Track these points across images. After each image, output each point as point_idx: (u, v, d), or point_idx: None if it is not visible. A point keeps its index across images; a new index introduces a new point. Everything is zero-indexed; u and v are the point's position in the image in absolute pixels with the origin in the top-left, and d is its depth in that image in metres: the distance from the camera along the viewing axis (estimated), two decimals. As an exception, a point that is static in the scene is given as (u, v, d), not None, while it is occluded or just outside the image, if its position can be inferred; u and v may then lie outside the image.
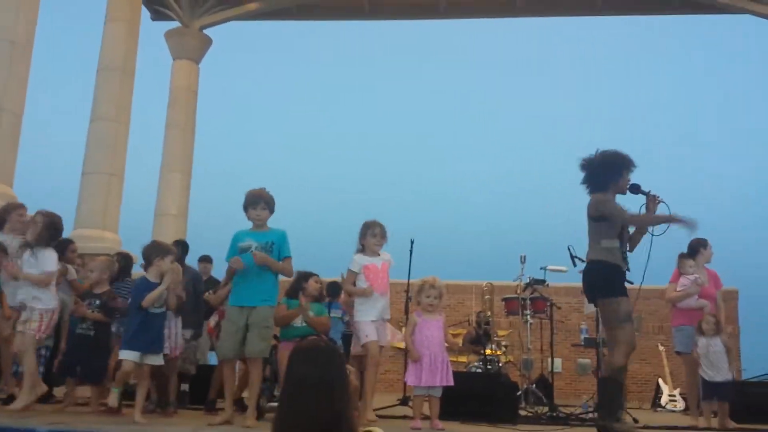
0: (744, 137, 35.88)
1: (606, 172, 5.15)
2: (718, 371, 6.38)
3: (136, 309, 5.30)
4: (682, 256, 7.10)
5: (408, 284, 6.85)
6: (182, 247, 7.81)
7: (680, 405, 7.52)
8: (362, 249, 5.84)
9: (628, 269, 5.09)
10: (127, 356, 5.18)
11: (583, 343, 8.09)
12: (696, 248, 7.06)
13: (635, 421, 6.44)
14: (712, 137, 36.10)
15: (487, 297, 9.26)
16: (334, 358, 2.15)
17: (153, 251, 5.51)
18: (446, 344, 5.67)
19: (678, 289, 7.00)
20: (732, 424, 6.30)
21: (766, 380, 11.80)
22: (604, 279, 5.03)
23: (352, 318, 5.93)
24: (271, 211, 5.41)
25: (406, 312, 6.98)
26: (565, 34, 27.86)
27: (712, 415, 6.52)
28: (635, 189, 5.17)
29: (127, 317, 5.50)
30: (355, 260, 5.80)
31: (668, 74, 36.92)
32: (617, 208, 5.06)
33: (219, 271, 7.27)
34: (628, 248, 5.13)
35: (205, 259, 7.61)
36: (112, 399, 5.25)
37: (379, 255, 5.85)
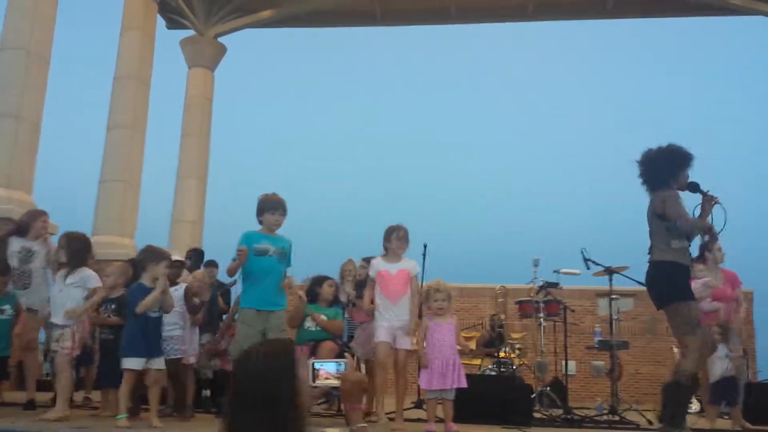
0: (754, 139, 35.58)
1: (666, 167, 4.94)
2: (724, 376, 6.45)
3: (132, 315, 5.31)
4: (692, 261, 7.07)
5: (421, 288, 6.89)
6: (198, 255, 7.93)
7: (695, 407, 7.51)
8: (386, 252, 5.91)
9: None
10: (130, 364, 5.20)
11: (597, 346, 8.08)
12: (702, 252, 7.04)
13: (650, 422, 6.44)
14: (727, 139, 35.83)
15: (500, 300, 9.30)
16: (282, 369, 1.97)
17: (147, 256, 5.54)
18: (458, 347, 5.71)
19: None
20: (747, 425, 6.29)
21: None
22: (676, 282, 4.82)
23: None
24: (286, 215, 5.49)
25: (420, 317, 7.01)
26: (574, 35, 27.80)
27: (726, 417, 6.53)
28: (694, 187, 4.94)
29: (125, 324, 5.51)
30: (372, 265, 5.93)
31: (683, 75, 36.72)
32: (682, 207, 4.85)
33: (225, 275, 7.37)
34: None
35: (211, 264, 7.71)
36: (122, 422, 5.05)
37: (401, 260, 5.89)
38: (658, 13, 15.15)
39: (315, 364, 2.40)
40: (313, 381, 2.36)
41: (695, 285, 6.94)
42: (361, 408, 2.45)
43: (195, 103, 14.19)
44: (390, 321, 5.75)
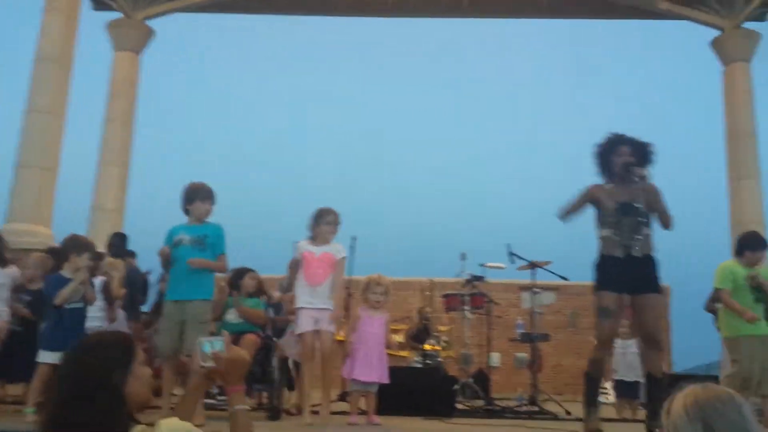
0: (677, 141, 37.11)
1: (596, 161, 5.03)
2: (632, 371, 6.71)
3: (50, 307, 5.13)
4: None
5: (349, 281, 6.87)
6: (121, 239, 7.69)
7: (611, 398, 7.77)
8: (312, 236, 5.65)
9: (632, 255, 4.75)
10: (44, 358, 4.99)
11: (519, 338, 8.26)
12: None
13: (567, 413, 6.62)
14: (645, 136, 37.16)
15: (427, 293, 9.37)
16: (112, 361, 1.92)
17: (70, 246, 5.34)
18: (387, 345, 5.72)
19: None
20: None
21: (694, 374, 12.34)
22: (594, 271, 4.90)
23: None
24: (213, 204, 5.32)
25: (347, 308, 6.98)
26: (522, 33, 28.28)
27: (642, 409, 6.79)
28: (627, 170, 4.91)
29: (43, 317, 5.32)
30: (297, 247, 5.64)
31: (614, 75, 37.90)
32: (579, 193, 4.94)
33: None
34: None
35: (128, 254, 7.50)
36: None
37: (329, 245, 5.65)
38: (589, 15, 15.56)
39: (203, 342, 2.31)
40: (203, 361, 2.28)
41: None
42: (241, 389, 2.35)
43: (120, 88, 13.71)
44: (311, 304, 5.44)
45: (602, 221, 4.87)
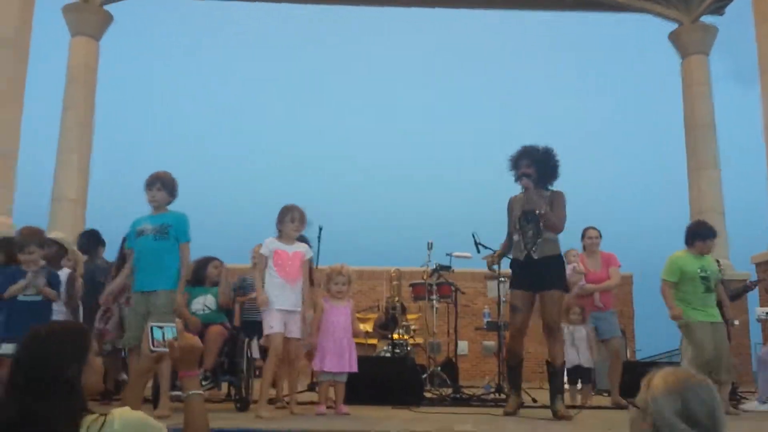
0: (639, 129, 37.75)
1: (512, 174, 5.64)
2: (579, 354, 6.81)
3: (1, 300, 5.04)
4: (569, 249, 7.34)
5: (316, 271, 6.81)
6: (91, 237, 7.47)
7: (578, 385, 7.85)
8: (279, 235, 5.58)
9: (532, 258, 5.40)
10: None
11: (486, 327, 8.32)
12: (582, 237, 7.35)
13: (534, 400, 6.68)
14: (608, 130, 37.75)
15: (395, 283, 9.37)
16: (66, 353, 1.91)
17: (19, 240, 5.25)
18: (354, 334, 5.71)
19: None
20: (624, 401, 6.64)
21: (655, 360, 12.62)
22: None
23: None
24: (170, 193, 5.18)
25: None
26: (492, 22, 28.35)
27: (605, 394, 6.88)
28: (517, 177, 5.57)
29: None
30: (266, 243, 5.55)
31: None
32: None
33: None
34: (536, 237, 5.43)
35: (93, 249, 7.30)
36: None
37: (294, 243, 5.60)
38: (553, 7, 15.64)
39: (152, 327, 2.29)
40: (152, 346, 2.26)
41: (567, 270, 7.26)
42: (195, 374, 2.32)
43: (78, 73, 13.34)
44: (282, 305, 5.36)
45: (512, 227, 5.58)
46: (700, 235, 6.04)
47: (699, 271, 5.92)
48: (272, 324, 5.33)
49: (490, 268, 6.17)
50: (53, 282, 5.26)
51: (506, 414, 5.43)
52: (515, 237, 5.52)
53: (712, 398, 1.83)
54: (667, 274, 5.99)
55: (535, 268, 5.36)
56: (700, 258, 5.98)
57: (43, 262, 5.29)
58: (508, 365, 5.64)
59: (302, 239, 5.88)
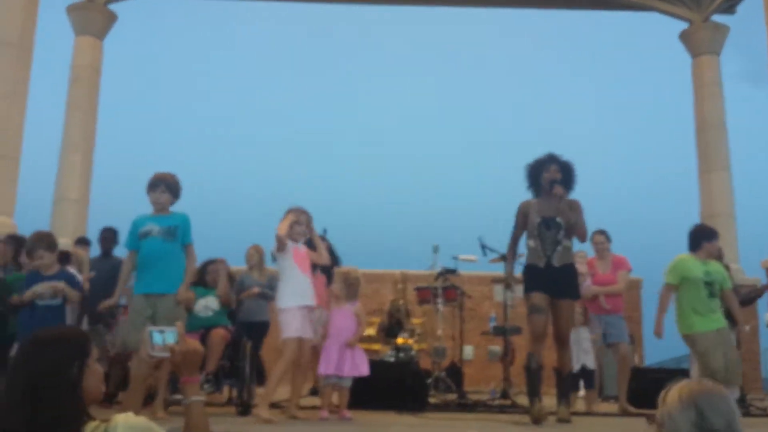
0: (649, 131, 37.56)
1: (527, 176, 5.59)
2: (582, 353, 6.68)
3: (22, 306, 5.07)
4: (577, 251, 7.22)
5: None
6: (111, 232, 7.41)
7: (581, 392, 7.73)
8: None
9: (552, 265, 5.35)
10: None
11: (492, 331, 8.21)
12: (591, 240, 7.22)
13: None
14: (617, 132, 37.58)
15: (399, 286, 9.27)
16: (66, 358, 1.87)
17: (29, 244, 5.24)
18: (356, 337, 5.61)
19: None
20: (631, 409, 6.51)
21: (663, 367, 12.42)
22: (522, 278, 5.56)
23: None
24: (174, 195, 5.14)
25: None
26: (507, 25, 28.29)
27: (613, 401, 6.75)
28: (551, 186, 5.43)
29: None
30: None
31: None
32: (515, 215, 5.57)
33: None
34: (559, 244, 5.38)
35: (82, 242, 7.26)
36: None
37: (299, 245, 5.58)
38: (561, 5, 15.52)
39: (152, 332, 2.22)
40: (152, 351, 2.21)
41: None
42: (197, 380, 2.26)
43: (82, 73, 13.30)
44: (303, 300, 5.27)
45: (529, 233, 5.46)
46: (706, 235, 5.85)
47: (703, 275, 5.72)
48: (296, 326, 5.22)
49: (508, 286, 6.12)
50: (72, 284, 5.21)
51: (535, 422, 5.11)
52: (531, 243, 5.43)
53: (729, 409, 1.81)
54: (668, 277, 5.82)
55: (555, 275, 5.33)
56: (705, 263, 5.81)
57: (58, 266, 5.26)
58: (528, 371, 5.37)
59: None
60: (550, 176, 5.38)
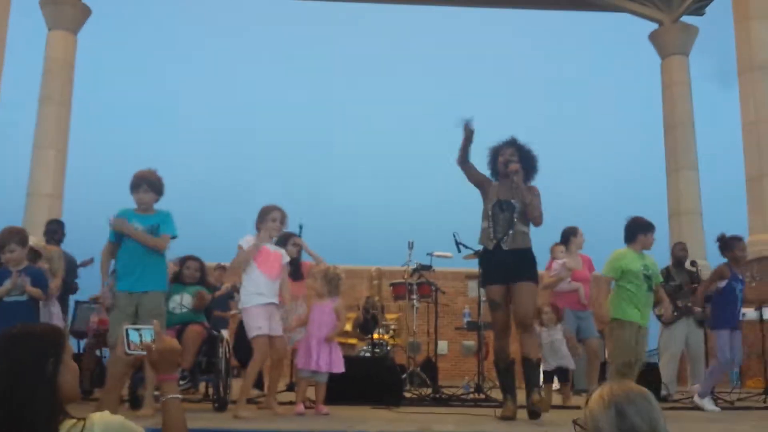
0: (617, 129, 38.03)
1: (487, 159, 5.47)
2: (560, 357, 6.76)
3: None
4: (555, 245, 7.41)
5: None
6: (58, 225, 7.40)
7: (555, 385, 7.88)
8: (259, 234, 5.50)
9: (501, 248, 5.12)
10: None
11: (466, 327, 8.32)
12: (567, 236, 7.38)
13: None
14: (585, 130, 38.01)
15: (375, 282, 9.35)
16: (40, 354, 1.85)
17: (8, 237, 5.13)
18: (334, 334, 5.67)
19: (551, 275, 7.32)
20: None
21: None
22: (479, 265, 5.41)
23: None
24: (158, 192, 5.15)
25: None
26: (478, 21, 28.42)
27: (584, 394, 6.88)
28: (505, 166, 5.28)
29: None
30: (247, 239, 5.46)
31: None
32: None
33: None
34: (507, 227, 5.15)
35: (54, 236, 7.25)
36: None
37: (275, 246, 5.61)
38: (534, 5, 15.70)
39: (128, 330, 2.24)
40: (128, 349, 2.22)
41: (555, 265, 7.30)
42: (174, 378, 2.28)
43: (55, 67, 13.16)
44: (263, 298, 5.28)
45: (483, 214, 5.31)
46: (642, 227, 5.85)
47: (642, 269, 5.75)
48: (260, 324, 5.23)
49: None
50: (39, 280, 5.17)
51: (504, 418, 4.95)
52: (484, 224, 5.27)
53: (652, 408, 1.80)
54: (609, 270, 5.80)
55: (507, 259, 5.11)
56: (642, 256, 5.83)
57: (26, 262, 5.22)
58: (497, 368, 5.25)
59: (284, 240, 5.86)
60: (505, 159, 5.25)
